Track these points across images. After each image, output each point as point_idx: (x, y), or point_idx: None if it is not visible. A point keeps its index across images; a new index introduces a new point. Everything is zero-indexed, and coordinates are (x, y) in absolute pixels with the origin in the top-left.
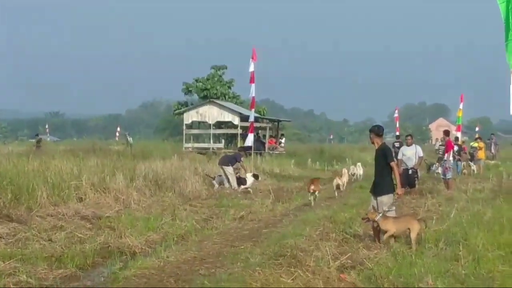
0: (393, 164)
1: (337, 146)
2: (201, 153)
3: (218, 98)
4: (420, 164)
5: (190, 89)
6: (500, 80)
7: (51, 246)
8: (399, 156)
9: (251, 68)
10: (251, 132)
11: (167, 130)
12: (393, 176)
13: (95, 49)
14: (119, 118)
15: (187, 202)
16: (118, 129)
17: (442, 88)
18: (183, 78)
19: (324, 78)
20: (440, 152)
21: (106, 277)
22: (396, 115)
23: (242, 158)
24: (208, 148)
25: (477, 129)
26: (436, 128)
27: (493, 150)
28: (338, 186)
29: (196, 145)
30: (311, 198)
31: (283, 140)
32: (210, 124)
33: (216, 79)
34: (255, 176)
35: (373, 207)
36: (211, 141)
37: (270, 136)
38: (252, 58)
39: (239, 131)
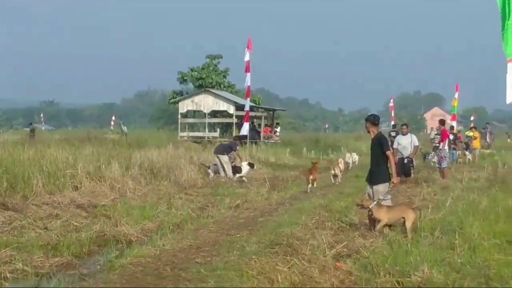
0: (389, 153)
1: (332, 135)
2: (196, 142)
3: (213, 87)
4: (416, 153)
5: (185, 78)
6: (496, 70)
7: (47, 235)
8: (395, 145)
9: (247, 58)
10: (246, 121)
11: (162, 119)
12: (388, 165)
13: (93, 44)
14: (114, 107)
15: (183, 190)
16: (113, 118)
17: (437, 78)
18: (178, 68)
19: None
20: (436, 141)
21: (102, 265)
22: (391, 104)
23: (237, 147)
24: (203, 137)
25: (472, 118)
26: (431, 118)
27: (488, 139)
28: (335, 175)
29: (191, 134)
30: (309, 187)
31: (278, 129)
32: (205, 113)
33: (211, 68)
34: (251, 165)
35: (369, 195)
36: (206, 130)
37: (265, 125)
38: (248, 47)
39: (234, 120)
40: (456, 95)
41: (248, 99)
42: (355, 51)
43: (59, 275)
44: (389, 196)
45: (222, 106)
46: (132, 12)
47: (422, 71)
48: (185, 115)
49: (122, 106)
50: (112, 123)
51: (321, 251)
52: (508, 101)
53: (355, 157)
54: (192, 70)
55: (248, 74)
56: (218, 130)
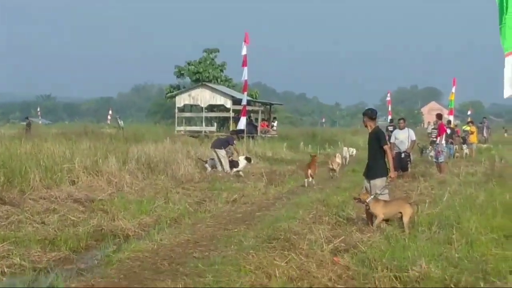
0: (386, 147)
1: (329, 129)
2: (193, 136)
3: (210, 81)
4: (413, 148)
5: (182, 72)
6: (493, 64)
7: (44, 229)
8: (392, 140)
9: (244, 52)
10: (243, 115)
11: (159, 113)
12: (386, 159)
13: (89, 38)
14: (111, 101)
15: (180, 185)
16: (110, 112)
17: (434, 73)
18: (176, 62)
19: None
20: (433, 136)
21: (100, 260)
22: (388, 98)
23: (234, 141)
24: (200, 131)
25: (469, 112)
26: (428, 112)
27: (485, 134)
28: (333, 170)
29: (188, 128)
30: (307, 181)
31: (275, 124)
32: (202, 107)
33: (208, 62)
34: (248, 159)
35: (366, 189)
36: (203, 124)
37: (263, 120)
38: (245, 41)
39: (231, 114)
40: (453, 89)
41: (245, 93)
42: (355, 51)
43: (57, 269)
44: (387, 191)
45: (219, 100)
46: (131, 7)
47: (419, 66)
48: (182, 109)
49: (119, 101)
50: (109, 117)
51: (319, 245)
52: (505, 95)
53: (352, 150)
54: (189, 64)
55: (245, 68)
56: (215, 124)
